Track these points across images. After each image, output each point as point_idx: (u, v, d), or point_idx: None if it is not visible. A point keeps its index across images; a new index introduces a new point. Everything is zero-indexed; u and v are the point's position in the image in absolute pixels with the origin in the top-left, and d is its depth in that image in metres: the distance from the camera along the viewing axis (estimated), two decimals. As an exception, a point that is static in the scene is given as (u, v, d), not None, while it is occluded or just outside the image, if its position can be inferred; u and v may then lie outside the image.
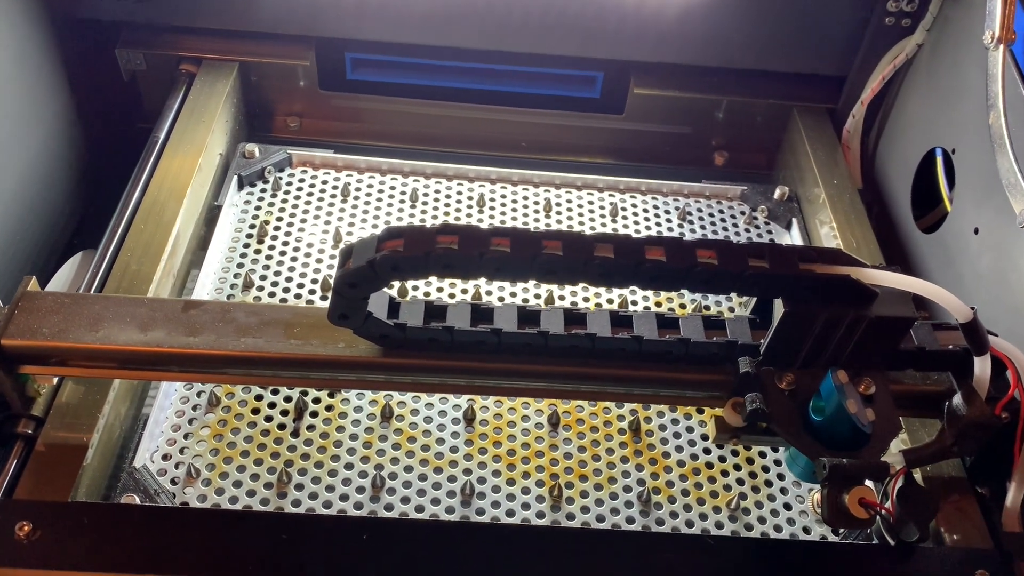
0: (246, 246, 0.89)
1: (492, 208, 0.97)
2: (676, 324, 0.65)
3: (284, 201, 0.94)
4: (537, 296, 0.86)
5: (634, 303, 0.87)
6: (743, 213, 0.99)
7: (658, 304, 0.87)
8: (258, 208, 0.93)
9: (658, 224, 0.97)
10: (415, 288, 0.85)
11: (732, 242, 0.59)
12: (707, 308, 0.88)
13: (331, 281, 0.84)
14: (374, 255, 0.56)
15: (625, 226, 0.97)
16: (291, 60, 1.03)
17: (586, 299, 0.87)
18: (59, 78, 0.99)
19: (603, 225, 0.96)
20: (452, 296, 0.85)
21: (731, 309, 0.88)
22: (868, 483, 0.59)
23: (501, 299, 0.85)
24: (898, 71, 0.99)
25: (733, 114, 1.08)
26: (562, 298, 0.86)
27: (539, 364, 0.65)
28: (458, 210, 0.96)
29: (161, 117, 0.96)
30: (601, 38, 1.02)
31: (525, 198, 0.99)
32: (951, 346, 0.65)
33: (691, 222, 0.98)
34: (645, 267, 0.57)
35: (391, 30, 1.02)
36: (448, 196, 0.97)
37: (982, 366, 0.62)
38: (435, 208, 0.96)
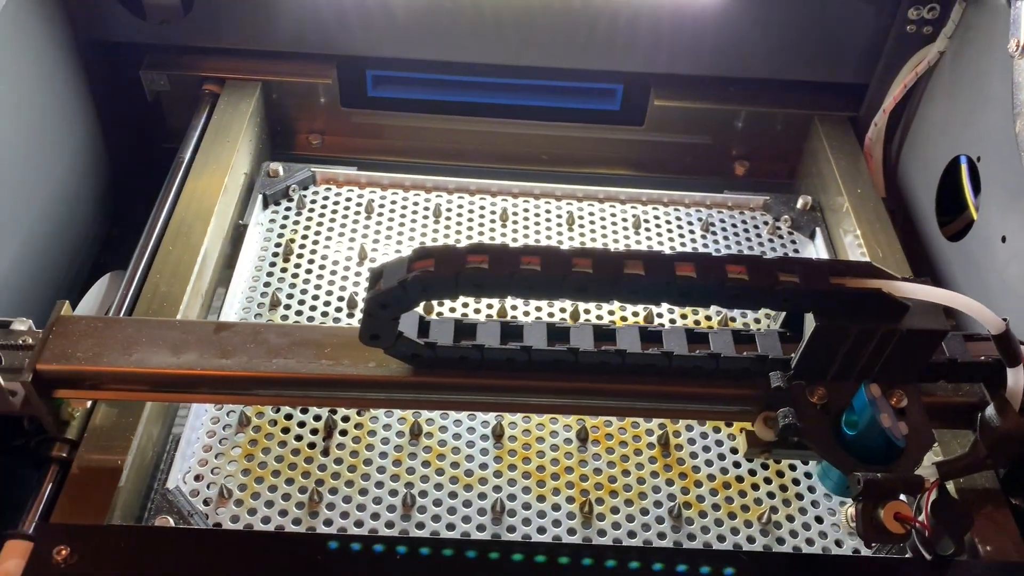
0: (272, 264, 0.90)
1: (515, 222, 0.97)
2: (706, 339, 0.65)
3: (309, 219, 0.95)
4: (563, 311, 0.86)
5: (659, 315, 0.87)
6: (766, 223, 0.99)
7: (683, 316, 0.87)
8: (283, 227, 0.94)
9: (681, 236, 0.97)
10: (440, 305, 0.85)
11: (761, 257, 0.59)
12: (732, 320, 0.88)
13: (357, 299, 0.85)
14: (405, 276, 0.57)
15: (648, 238, 0.97)
16: (313, 79, 1.04)
17: (611, 312, 0.87)
18: (85, 100, 1.01)
19: (626, 238, 0.96)
20: (478, 312, 0.85)
21: (757, 321, 0.88)
22: (902, 497, 0.58)
23: (527, 314, 0.86)
24: (920, 79, 0.99)
25: (753, 124, 1.08)
26: (587, 312, 0.86)
27: (568, 381, 0.65)
28: (481, 225, 0.96)
29: (186, 138, 0.97)
30: (620, 51, 1.03)
31: (548, 211, 0.99)
32: (983, 357, 0.64)
33: (714, 233, 0.98)
34: (676, 283, 0.57)
35: (411, 47, 1.03)
36: (471, 211, 0.98)
37: (1015, 377, 0.62)
38: (459, 223, 0.96)
